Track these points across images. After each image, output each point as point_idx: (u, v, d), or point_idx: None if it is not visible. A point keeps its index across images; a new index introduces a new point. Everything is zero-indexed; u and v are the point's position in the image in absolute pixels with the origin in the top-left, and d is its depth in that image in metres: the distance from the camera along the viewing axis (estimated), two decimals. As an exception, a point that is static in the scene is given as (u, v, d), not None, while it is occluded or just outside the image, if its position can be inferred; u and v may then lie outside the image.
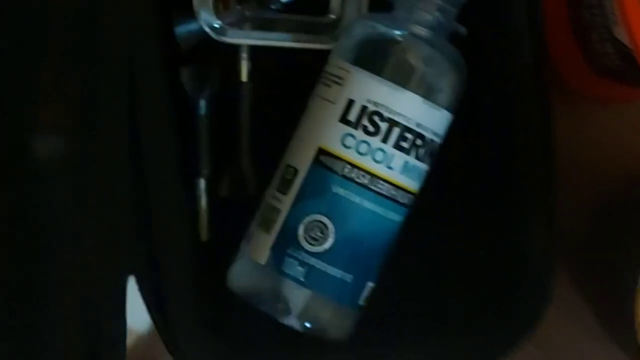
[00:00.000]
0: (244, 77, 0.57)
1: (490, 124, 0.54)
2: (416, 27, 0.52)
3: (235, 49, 0.57)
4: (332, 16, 0.57)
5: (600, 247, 0.58)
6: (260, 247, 0.52)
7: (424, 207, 0.53)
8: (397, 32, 0.51)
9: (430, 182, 0.53)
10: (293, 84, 0.58)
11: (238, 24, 0.56)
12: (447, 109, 0.52)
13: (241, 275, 0.53)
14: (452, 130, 0.53)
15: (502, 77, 0.52)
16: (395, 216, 0.52)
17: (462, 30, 0.53)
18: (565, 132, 0.54)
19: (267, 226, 0.52)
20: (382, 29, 0.52)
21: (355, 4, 0.56)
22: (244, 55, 0.57)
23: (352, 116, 0.50)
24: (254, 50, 0.57)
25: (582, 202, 0.59)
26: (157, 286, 0.53)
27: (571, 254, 0.57)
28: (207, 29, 0.55)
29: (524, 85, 0.52)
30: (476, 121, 0.55)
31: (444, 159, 0.53)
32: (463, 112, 0.53)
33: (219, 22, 0.55)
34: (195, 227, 0.58)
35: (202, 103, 0.57)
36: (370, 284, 0.53)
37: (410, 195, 0.52)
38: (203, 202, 0.58)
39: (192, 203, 0.57)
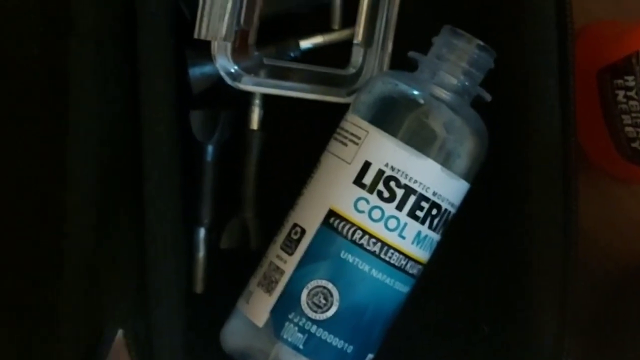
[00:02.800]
0: (255, 125, 0.55)
1: (508, 198, 0.52)
2: (439, 89, 0.50)
3: (247, 94, 0.55)
4: (352, 69, 0.55)
5: (610, 328, 0.56)
6: (259, 308, 0.49)
7: (429, 275, 0.51)
8: (419, 94, 0.49)
9: (438, 250, 0.51)
10: (305, 136, 0.56)
11: (254, 70, 0.54)
12: (465, 178, 0.50)
13: (235, 334, 0.51)
14: (467, 201, 0.51)
15: (526, 150, 0.50)
16: (403, 287, 0.49)
17: (487, 96, 0.51)
18: (581, 207, 0.52)
19: (268, 286, 0.49)
20: (403, 88, 0.50)
21: (377, 59, 0.54)
22: (257, 102, 0.55)
23: (368, 179, 0.48)
24: (267, 98, 0.55)
25: (593, 281, 0.57)
26: (145, 338, 0.51)
27: (579, 333, 0.55)
28: (223, 74, 0.52)
29: (549, 161, 0.49)
30: (493, 194, 0.52)
31: (456, 229, 0.51)
32: (480, 182, 0.51)
33: (236, 67, 0.53)
34: (191, 277, 0.55)
35: (210, 149, 0.55)
36: (370, 356, 0.50)
37: (420, 266, 0.50)
38: (201, 252, 0.55)
39: (189, 252, 0.55)
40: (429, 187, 0.48)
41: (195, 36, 0.51)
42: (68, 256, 0.50)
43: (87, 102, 0.50)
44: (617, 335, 0.55)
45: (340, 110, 0.52)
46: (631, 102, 0.50)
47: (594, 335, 0.56)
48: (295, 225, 0.50)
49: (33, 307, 0.53)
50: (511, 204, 0.51)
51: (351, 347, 0.49)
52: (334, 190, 0.49)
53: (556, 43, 0.49)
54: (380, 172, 0.48)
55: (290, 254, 0.49)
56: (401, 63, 0.53)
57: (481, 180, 0.50)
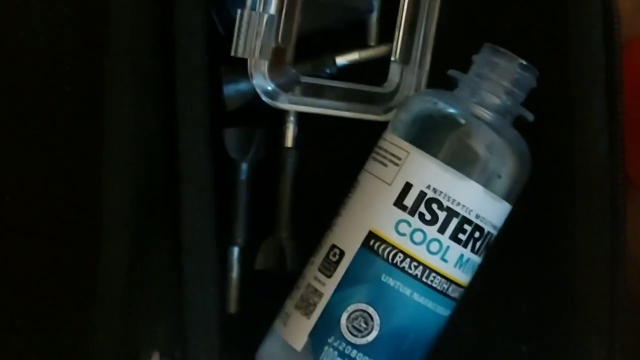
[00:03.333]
0: (290, 142, 0.54)
1: (552, 220, 0.51)
2: (480, 109, 0.49)
3: (282, 112, 0.54)
4: (389, 87, 0.54)
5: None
6: (297, 331, 0.48)
7: (469, 301, 0.50)
8: (460, 113, 0.48)
9: (478, 275, 0.50)
10: (341, 154, 0.55)
11: (290, 87, 0.53)
12: (507, 200, 0.49)
13: (272, 357, 0.50)
14: (507, 221, 0.50)
15: (572, 172, 0.49)
16: (444, 311, 0.48)
17: (529, 116, 0.50)
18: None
19: (306, 309, 0.48)
20: (443, 106, 0.49)
21: (414, 77, 0.53)
22: (292, 119, 0.54)
23: (409, 201, 0.47)
24: (302, 115, 0.54)
25: (636, 304, 0.55)
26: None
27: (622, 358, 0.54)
28: (259, 92, 0.52)
29: (595, 183, 0.48)
30: (535, 215, 0.51)
31: (494, 249, 0.50)
32: (522, 203, 0.50)
33: (272, 85, 0.52)
34: (225, 297, 0.54)
35: (244, 167, 0.54)
36: (410, 381, 0.49)
37: (461, 289, 0.49)
38: (235, 272, 0.54)
39: (223, 271, 0.54)
40: (471, 210, 0.47)
41: (232, 54, 0.50)
42: (103, 278, 0.49)
43: (122, 122, 0.49)
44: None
45: (377, 128, 0.51)
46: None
47: (633, 356, 0.55)
48: (333, 246, 0.49)
49: (67, 330, 0.52)
50: (555, 227, 0.50)
51: (391, 372, 0.48)
52: (373, 211, 0.48)
53: (604, 62, 0.48)
54: (422, 194, 0.47)
55: (329, 276, 0.48)
56: (439, 81, 0.52)
57: (523, 200, 0.49)
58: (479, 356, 0.55)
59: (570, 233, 0.49)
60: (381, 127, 0.51)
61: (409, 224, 0.47)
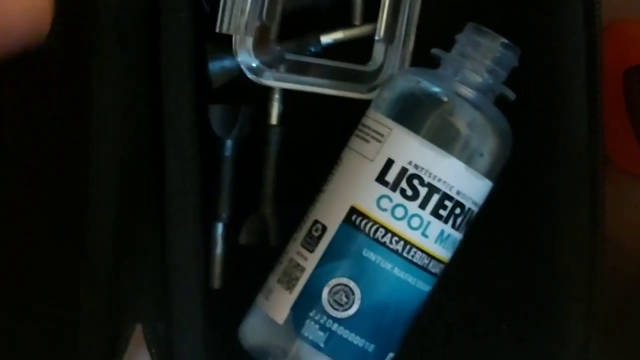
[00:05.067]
0: (274, 120, 0.55)
1: (533, 198, 0.51)
2: (463, 87, 0.49)
3: (266, 89, 0.54)
4: (373, 65, 0.54)
5: (630, 332, 0.55)
6: (279, 305, 0.49)
7: (448, 273, 0.51)
8: (442, 91, 0.49)
9: (458, 249, 0.51)
10: (324, 132, 0.56)
11: (275, 65, 0.53)
12: (488, 177, 0.49)
13: (255, 331, 0.50)
14: (489, 200, 0.50)
15: (552, 151, 0.49)
16: (425, 286, 0.49)
17: (511, 95, 0.50)
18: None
19: (288, 284, 0.49)
20: (426, 85, 0.49)
21: (398, 56, 0.54)
22: (276, 97, 0.55)
23: (390, 177, 0.48)
24: (287, 93, 0.55)
25: (617, 286, 0.56)
26: (164, 336, 0.50)
27: (604, 339, 0.54)
28: (244, 69, 0.52)
29: (575, 163, 0.49)
30: (516, 194, 0.52)
31: (477, 228, 0.51)
32: (503, 182, 0.50)
33: (257, 62, 0.52)
34: (209, 273, 0.55)
35: (229, 144, 0.54)
36: (391, 355, 0.50)
37: (442, 265, 0.49)
38: (218, 247, 0.55)
39: (207, 247, 0.55)
40: (452, 186, 0.48)
41: (217, 30, 0.51)
42: (89, 253, 0.49)
43: (109, 97, 0.49)
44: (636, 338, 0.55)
45: (361, 107, 0.52)
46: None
47: (619, 341, 0.56)
48: (316, 222, 0.49)
49: (53, 305, 0.52)
50: (536, 205, 0.51)
51: (372, 346, 0.48)
52: (355, 187, 0.48)
53: (584, 42, 0.48)
54: (404, 170, 0.48)
55: (311, 251, 0.49)
56: (422, 60, 0.52)
57: (504, 179, 0.50)
58: (460, 335, 0.55)
59: (550, 212, 0.50)
60: (365, 105, 0.52)
61: (391, 200, 0.48)
